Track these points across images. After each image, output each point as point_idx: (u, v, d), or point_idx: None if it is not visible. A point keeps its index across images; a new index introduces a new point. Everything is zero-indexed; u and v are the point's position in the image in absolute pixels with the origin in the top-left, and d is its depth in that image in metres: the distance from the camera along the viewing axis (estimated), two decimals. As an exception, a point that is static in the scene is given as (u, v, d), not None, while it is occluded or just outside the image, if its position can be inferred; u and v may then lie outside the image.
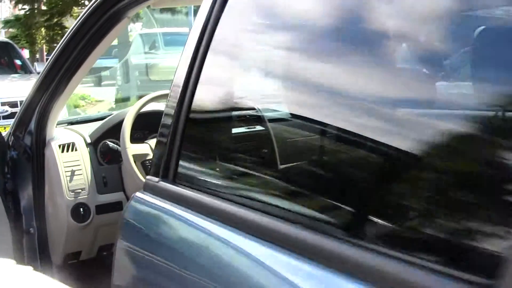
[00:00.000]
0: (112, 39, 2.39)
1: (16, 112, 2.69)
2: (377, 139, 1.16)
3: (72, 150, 2.62)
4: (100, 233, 2.66)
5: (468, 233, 0.96)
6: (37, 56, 16.48)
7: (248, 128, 1.81)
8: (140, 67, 11.75)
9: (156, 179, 1.56)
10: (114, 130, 2.68)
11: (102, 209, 2.64)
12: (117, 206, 2.64)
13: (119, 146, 2.58)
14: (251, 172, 1.53)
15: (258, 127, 1.79)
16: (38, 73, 8.26)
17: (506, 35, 1.03)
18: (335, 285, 1.03)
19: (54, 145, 2.60)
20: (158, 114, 2.59)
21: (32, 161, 2.59)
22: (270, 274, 1.15)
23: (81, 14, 2.26)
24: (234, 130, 1.76)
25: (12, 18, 17.97)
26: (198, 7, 1.56)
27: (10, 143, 2.72)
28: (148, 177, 1.60)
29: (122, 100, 10.94)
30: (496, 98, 0.98)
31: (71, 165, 2.60)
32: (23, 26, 16.09)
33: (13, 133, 2.66)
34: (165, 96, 2.65)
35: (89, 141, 2.70)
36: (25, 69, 9.19)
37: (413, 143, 1.08)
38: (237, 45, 1.56)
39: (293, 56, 1.41)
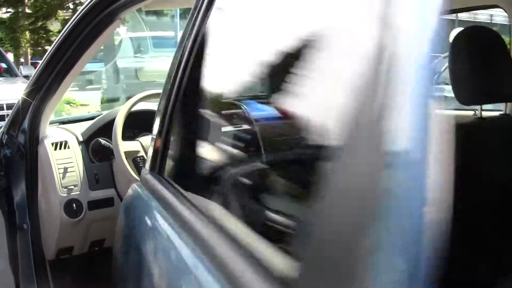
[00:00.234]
0: (104, 40, 2.48)
1: (2, 115, 2.77)
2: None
3: (64, 148, 2.70)
4: (92, 228, 2.73)
5: None
6: (22, 59, 16.45)
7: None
8: (127, 71, 11.81)
9: (147, 171, 1.66)
10: (105, 129, 2.76)
11: (94, 205, 2.71)
12: (108, 202, 2.72)
13: (111, 143, 2.66)
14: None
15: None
16: (24, 76, 8.33)
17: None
18: None
19: (47, 143, 2.67)
20: (148, 113, 2.69)
21: (26, 159, 2.66)
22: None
23: (75, 15, 2.34)
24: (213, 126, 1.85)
25: (-4, 21, 17.94)
26: (185, 10, 1.67)
27: (4, 141, 2.80)
28: (143, 169, 1.70)
29: (108, 104, 11.00)
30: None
31: (63, 162, 2.67)
32: (8, 29, 16.05)
33: (6, 132, 2.73)
34: (155, 95, 2.75)
35: (81, 139, 2.78)
36: (10, 72, 9.19)
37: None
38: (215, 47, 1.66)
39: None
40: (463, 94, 2.49)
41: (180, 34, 1.77)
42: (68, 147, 2.71)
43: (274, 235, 1.08)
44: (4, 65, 9.43)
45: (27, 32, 15.86)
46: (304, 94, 1.15)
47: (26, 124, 2.65)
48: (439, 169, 0.68)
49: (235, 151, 1.68)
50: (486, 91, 2.48)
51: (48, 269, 2.73)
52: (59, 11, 14.89)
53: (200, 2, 1.58)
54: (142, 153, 2.64)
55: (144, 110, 2.80)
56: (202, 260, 1.12)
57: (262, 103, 1.66)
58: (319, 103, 1.02)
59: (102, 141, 2.75)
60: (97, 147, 2.76)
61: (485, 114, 2.61)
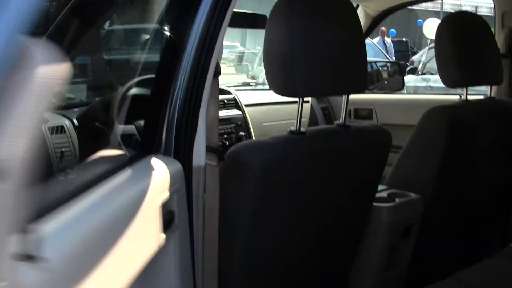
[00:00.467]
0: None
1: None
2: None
3: (61, 133, 2.75)
4: None
5: None
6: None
7: None
8: (111, 63, 11.80)
9: None
10: (101, 114, 2.81)
11: None
12: None
13: (107, 127, 2.71)
14: None
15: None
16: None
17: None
18: None
19: (44, 128, 2.72)
20: (142, 98, 2.74)
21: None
22: None
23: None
24: None
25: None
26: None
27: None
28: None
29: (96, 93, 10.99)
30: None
31: (60, 147, 2.73)
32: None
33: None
34: (149, 80, 2.80)
35: (77, 124, 2.83)
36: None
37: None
38: None
39: None
40: (449, 78, 2.57)
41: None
42: (65, 132, 2.76)
43: None
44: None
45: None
46: None
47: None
48: None
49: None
50: (472, 74, 2.56)
51: None
52: None
53: None
54: (137, 137, 2.69)
55: (139, 95, 2.85)
56: None
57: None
58: None
59: (99, 126, 2.80)
60: (93, 132, 2.81)
61: (471, 97, 2.69)
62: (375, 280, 2.42)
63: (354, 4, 3.29)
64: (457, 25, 2.58)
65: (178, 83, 1.78)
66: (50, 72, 0.89)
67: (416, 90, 10.17)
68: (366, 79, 2.11)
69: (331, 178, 2.02)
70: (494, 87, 2.93)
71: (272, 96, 3.70)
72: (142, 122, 2.69)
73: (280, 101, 3.54)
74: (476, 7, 23.48)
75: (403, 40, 19.34)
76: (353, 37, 1.98)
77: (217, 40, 1.75)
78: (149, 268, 1.53)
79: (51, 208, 1.16)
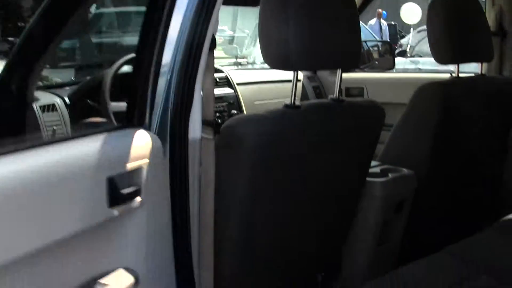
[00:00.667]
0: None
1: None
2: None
3: (52, 111, 2.74)
4: None
5: None
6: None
7: None
8: (100, 46, 11.73)
9: None
10: (92, 91, 2.81)
11: None
12: None
13: (99, 105, 2.71)
14: None
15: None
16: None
17: None
18: None
19: (35, 106, 2.71)
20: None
21: (14, 122, 2.70)
22: None
23: None
24: None
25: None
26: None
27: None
28: None
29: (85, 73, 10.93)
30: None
31: (52, 125, 2.72)
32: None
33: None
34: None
35: (68, 102, 2.82)
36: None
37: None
38: None
39: None
40: (441, 54, 2.58)
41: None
42: (56, 110, 2.76)
43: None
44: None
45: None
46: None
47: (13, 88, 2.68)
48: None
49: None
50: (463, 51, 2.57)
51: None
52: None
53: None
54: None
55: (129, 73, 2.85)
56: None
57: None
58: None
59: (91, 103, 2.80)
60: (85, 109, 2.81)
61: (462, 75, 2.71)
62: (368, 255, 2.44)
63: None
64: (449, 2, 2.59)
65: (172, 56, 1.78)
66: None
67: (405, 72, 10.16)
68: (360, 54, 2.11)
69: (326, 151, 2.03)
70: (484, 65, 2.94)
71: (264, 75, 3.71)
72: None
73: (272, 80, 3.55)
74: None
75: (392, 24, 19.30)
76: (348, 12, 1.99)
77: (212, 12, 1.74)
78: (98, 241, 1.53)
79: None
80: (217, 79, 3.28)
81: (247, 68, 4.51)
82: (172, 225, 1.78)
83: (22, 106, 2.69)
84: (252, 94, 3.41)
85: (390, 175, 2.43)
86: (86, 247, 1.51)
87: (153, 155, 1.65)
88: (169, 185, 1.75)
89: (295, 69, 1.90)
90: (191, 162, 1.77)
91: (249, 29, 8.47)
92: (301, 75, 3.60)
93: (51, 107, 2.74)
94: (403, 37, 18.55)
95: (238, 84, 3.34)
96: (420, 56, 10.73)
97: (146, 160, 1.62)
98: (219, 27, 1.85)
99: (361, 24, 2.09)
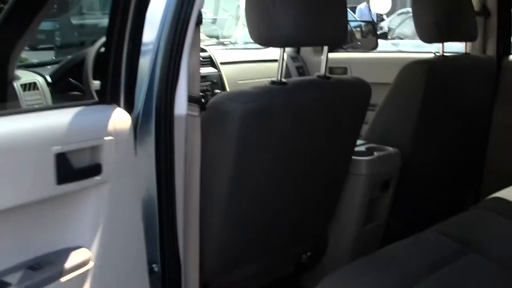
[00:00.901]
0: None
1: None
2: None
3: (34, 89, 2.70)
4: None
5: None
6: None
7: None
8: (80, 27, 11.63)
9: None
10: (75, 70, 2.77)
11: None
12: None
13: (82, 83, 2.67)
14: None
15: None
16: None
17: None
18: None
19: (16, 85, 2.66)
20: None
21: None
22: None
23: None
24: None
25: None
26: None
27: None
28: None
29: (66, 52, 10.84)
30: None
31: (33, 104, 2.68)
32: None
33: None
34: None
35: (50, 80, 2.78)
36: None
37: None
38: None
39: None
40: (426, 34, 2.57)
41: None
42: (37, 89, 2.71)
43: None
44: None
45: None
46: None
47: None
48: None
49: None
50: (448, 30, 2.56)
51: None
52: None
53: None
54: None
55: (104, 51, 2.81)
56: None
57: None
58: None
59: (73, 81, 2.76)
60: (67, 87, 2.77)
61: (446, 54, 2.71)
62: (354, 234, 2.44)
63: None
64: None
65: (157, 33, 1.75)
66: None
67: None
68: (346, 31, 2.10)
69: (313, 127, 2.02)
70: (469, 44, 2.95)
71: (247, 55, 3.68)
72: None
73: (256, 59, 3.53)
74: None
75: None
76: None
77: None
78: (46, 218, 1.48)
79: None
80: (201, 59, 3.24)
81: (230, 48, 4.47)
82: (158, 203, 1.76)
83: (2, 84, 2.65)
84: (236, 73, 3.38)
85: (375, 153, 2.42)
86: (32, 223, 1.46)
87: (119, 132, 1.60)
88: (155, 162, 1.73)
89: (281, 45, 1.88)
90: (176, 140, 1.75)
91: (231, 11, 8.42)
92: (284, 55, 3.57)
93: (32, 86, 2.69)
94: (382, 20, 18.61)
95: (221, 63, 3.30)
96: (401, 39, 10.77)
97: (111, 138, 1.57)
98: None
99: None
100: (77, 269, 1.52)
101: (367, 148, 2.46)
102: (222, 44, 4.84)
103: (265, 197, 2.01)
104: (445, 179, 2.84)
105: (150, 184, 1.75)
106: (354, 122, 2.18)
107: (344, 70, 3.67)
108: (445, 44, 2.68)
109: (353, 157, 2.33)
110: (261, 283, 2.32)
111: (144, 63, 1.76)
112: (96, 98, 2.58)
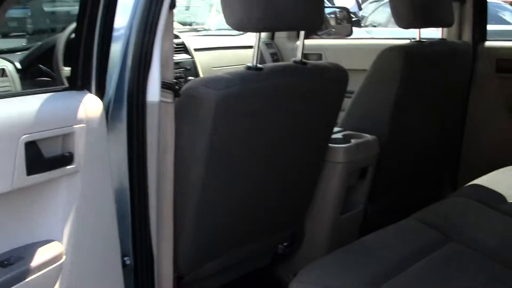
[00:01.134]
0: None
1: None
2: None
3: (2, 76, 2.63)
4: None
5: None
6: None
7: None
8: (52, 15, 11.52)
9: None
10: (45, 56, 2.71)
11: None
12: None
13: (52, 70, 2.61)
14: None
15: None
16: None
17: None
18: None
19: None
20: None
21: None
22: None
23: None
24: None
25: None
26: None
27: None
28: None
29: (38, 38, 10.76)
30: None
31: (1, 91, 2.61)
32: None
33: None
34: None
35: (19, 67, 2.71)
36: None
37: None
38: None
39: None
40: (403, 19, 2.55)
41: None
42: (6, 75, 2.65)
43: None
44: None
45: None
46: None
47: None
48: None
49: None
50: (424, 16, 2.54)
51: None
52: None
53: None
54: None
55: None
56: None
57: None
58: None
59: (43, 68, 2.70)
60: (37, 74, 2.71)
61: (423, 40, 2.69)
62: (331, 223, 2.41)
63: None
64: None
65: (129, 17, 1.70)
66: None
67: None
68: (322, 16, 2.06)
69: (288, 113, 1.98)
70: (445, 30, 2.93)
71: (221, 41, 3.63)
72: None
73: (229, 45, 3.48)
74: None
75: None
76: None
77: None
78: (15, 210, 1.42)
79: None
80: (174, 45, 3.19)
81: (204, 35, 4.42)
82: (130, 191, 1.71)
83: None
84: (209, 60, 3.33)
85: (352, 141, 2.40)
86: (1, 216, 1.39)
87: (91, 119, 1.53)
88: (127, 150, 1.68)
89: (257, 30, 1.84)
90: (149, 127, 1.70)
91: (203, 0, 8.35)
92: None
93: (0, 72, 2.62)
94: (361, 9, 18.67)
95: (195, 49, 3.26)
96: (374, 26, 10.78)
97: (83, 125, 1.50)
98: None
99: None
100: (50, 264, 1.46)
101: (344, 136, 2.43)
102: (195, 30, 4.78)
103: (239, 184, 1.97)
104: (422, 165, 2.83)
105: (121, 173, 1.70)
106: (331, 108, 2.15)
107: (319, 57, 3.64)
108: (421, 31, 2.67)
109: (330, 145, 2.30)
110: (237, 274, 2.29)
111: (116, 48, 1.71)
112: (67, 84, 2.53)
